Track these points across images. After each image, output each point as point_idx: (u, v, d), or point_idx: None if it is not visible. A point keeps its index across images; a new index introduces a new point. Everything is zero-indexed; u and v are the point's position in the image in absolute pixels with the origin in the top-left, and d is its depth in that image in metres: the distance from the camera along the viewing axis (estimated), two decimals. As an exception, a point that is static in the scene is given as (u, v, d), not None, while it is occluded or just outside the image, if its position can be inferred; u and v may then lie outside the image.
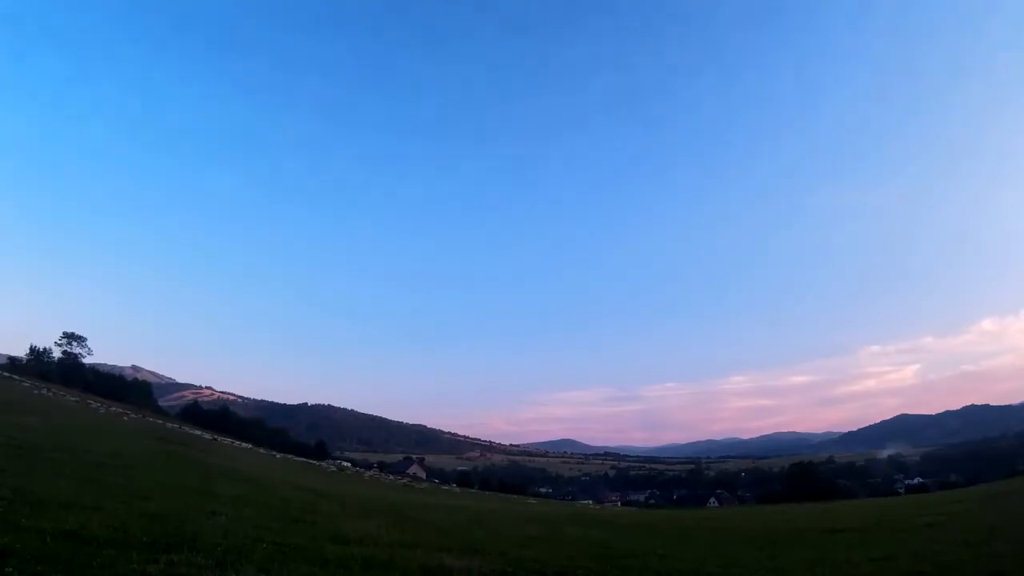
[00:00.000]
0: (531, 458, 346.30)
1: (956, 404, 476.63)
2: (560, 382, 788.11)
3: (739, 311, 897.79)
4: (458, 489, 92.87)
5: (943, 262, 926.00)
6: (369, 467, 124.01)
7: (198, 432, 66.02)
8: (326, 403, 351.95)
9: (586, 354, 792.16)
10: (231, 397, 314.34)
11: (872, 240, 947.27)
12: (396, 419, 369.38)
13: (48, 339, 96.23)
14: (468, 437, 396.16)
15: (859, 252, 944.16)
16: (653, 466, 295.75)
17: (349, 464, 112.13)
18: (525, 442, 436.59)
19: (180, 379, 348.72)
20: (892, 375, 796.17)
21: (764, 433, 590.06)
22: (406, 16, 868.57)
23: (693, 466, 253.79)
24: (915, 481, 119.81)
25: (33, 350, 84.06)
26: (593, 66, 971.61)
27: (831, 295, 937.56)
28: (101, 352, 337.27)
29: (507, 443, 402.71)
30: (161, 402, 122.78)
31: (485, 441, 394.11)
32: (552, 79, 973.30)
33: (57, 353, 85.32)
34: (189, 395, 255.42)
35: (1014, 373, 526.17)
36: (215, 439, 58.29)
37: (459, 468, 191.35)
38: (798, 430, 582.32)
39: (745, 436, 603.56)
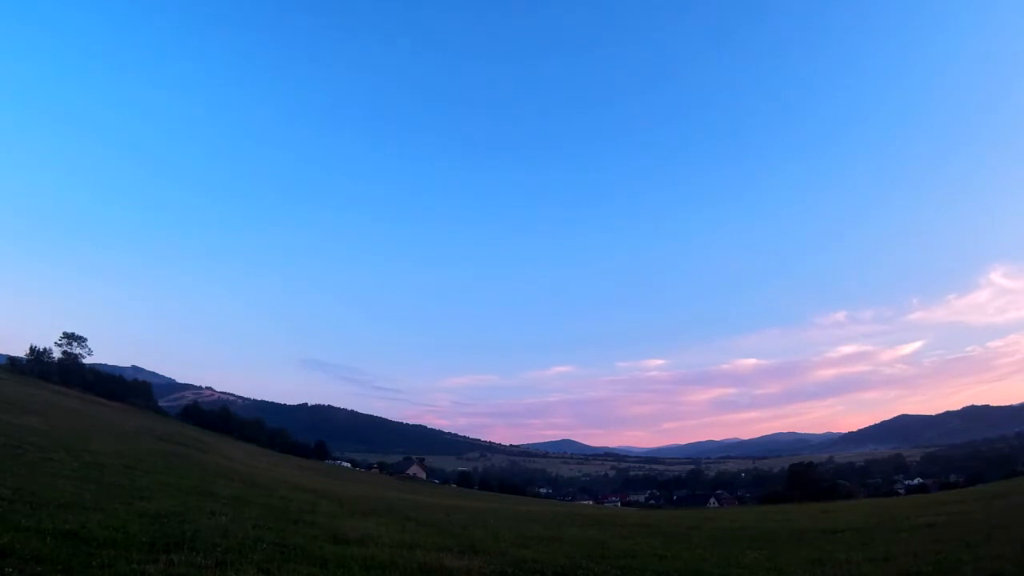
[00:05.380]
0: (531, 458, 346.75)
1: (956, 404, 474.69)
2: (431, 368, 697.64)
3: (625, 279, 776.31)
4: (458, 489, 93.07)
5: (930, 189, 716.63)
6: (369, 467, 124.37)
7: (198, 432, 66.08)
8: (326, 403, 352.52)
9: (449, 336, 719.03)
10: (231, 397, 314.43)
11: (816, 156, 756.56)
12: (396, 419, 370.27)
13: (48, 339, 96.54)
14: (468, 437, 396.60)
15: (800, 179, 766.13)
16: (653, 466, 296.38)
17: (349, 464, 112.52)
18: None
19: (180, 379, 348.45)
20: (883, 356, 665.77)
21: (764, 433, 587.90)
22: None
23: (693, 466, 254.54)
24: (915, 481, 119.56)
25: (33, 350, 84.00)
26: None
27: (763, 243, 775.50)
28: (101, 352, 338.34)
29: (507, 443, 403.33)
30: (161, 402, 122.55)
31: (485, 441, 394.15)
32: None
33: (57, 353, 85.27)
34: (189, 395, 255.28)
35: (1018, 367, 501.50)
36: (215, 439, 58.27)
37: (459, 468, 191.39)
38: (797, 430, 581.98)
39: (745, 436, 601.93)
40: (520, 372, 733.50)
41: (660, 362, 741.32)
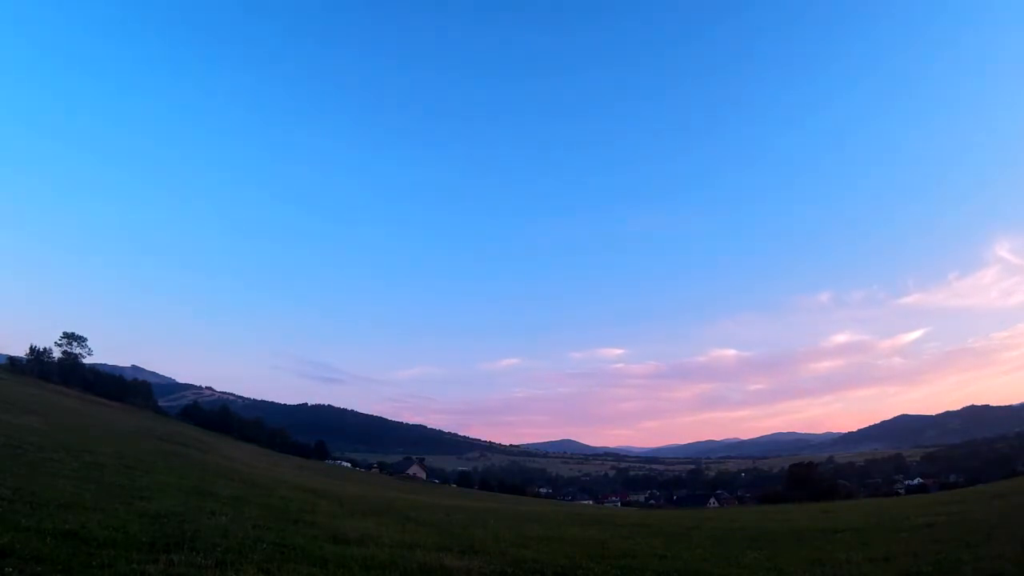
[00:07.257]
0: (531, 458, 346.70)
1: (956, 404, 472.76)
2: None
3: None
4: (458, 489, 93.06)
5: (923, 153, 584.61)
6: (369, 467, 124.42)
7: (198, 432, 66.11)
8: (326, 403, 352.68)
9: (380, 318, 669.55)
10: (231, 397, 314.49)
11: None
12: (396, 419, 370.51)
13: (48, 339, 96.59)
14: (468, 437, 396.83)
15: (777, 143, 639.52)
16: (653, 466, 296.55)
17: (349, 464, 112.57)
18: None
19: (180, 379, 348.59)
20: (880, 347, 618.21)
21: (764, 433, 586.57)
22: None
23: (693, 466, 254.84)
24: (915, 481, 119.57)
25: (33, 350, 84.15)
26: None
27: (721, 206, 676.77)
28: (101, 352, 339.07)
29: (507, 443, 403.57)
30: (161, 402, 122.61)
31: (485, 441, 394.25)
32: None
33: (57, 353, 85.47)
34: (189, 395, 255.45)
35: (1022, 362, 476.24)
36: (215, 439, 58.26)
37: (459, 468, 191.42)
38: (797, 430, 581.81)
39: (744, 436, 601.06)
40: (471, 364, 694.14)
41: (619, 351, 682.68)
